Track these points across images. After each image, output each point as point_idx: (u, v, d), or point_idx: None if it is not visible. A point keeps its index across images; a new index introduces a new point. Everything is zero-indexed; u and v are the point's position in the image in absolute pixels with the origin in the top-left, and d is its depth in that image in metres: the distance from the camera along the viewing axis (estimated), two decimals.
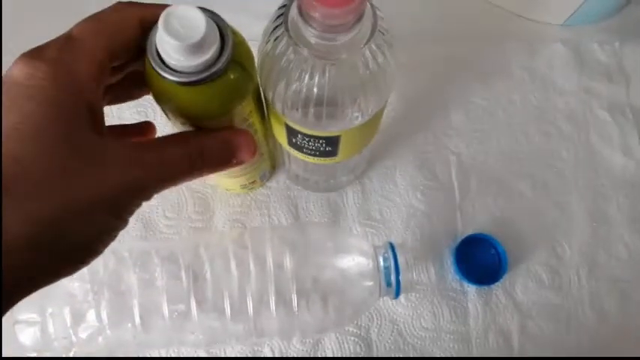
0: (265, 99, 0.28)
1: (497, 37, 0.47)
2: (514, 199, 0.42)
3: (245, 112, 0.27)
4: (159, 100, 0.24)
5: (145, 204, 0.40)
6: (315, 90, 0.24)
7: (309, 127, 0.27)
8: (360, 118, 0.27)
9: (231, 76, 0.24)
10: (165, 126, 0.31)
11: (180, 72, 0.22)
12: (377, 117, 0.29)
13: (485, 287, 0.39)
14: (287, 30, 0.23)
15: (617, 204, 0.42)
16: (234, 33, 0.24)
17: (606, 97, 0.45)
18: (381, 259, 0.32)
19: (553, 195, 0.42)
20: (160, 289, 0.31)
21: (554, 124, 0.44)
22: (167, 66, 0.22)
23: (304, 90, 0.25)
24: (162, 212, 0.41)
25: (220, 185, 0.41)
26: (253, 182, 0.39)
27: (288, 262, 0.31)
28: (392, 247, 0.33)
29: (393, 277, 0.32)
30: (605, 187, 0.42)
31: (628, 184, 0.43)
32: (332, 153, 0.31)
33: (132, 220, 0.39)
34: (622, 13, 0.48)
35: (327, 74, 0.24)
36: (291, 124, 0.28)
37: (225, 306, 0.30)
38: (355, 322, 0.38)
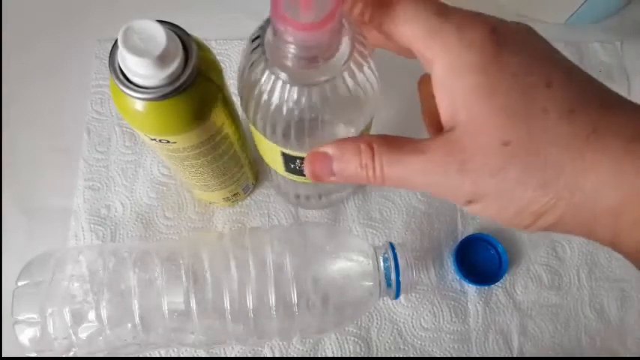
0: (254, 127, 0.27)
1: None
2: None
3: (217, 124, 0.26)
4: (127, 118, 0.24)
5: (145, 204, 0.40)
6: (296, 113, 0.23)
7: (308, 151, 0.27)
8: (351, 134, 0.26)
9: (198, 89, 0.23)
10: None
11: (146, 88, 0.21)
12: (367, 129, 0.29)
13: (486, 287, 0.39)
14: (264, 53, 0.22)
15: None
16: (199, 45, 0.23)
17: None
18: (381, 260, 0.32)
19: None
20: (159, 289, 0.31)
21: None
22: (132, 83, 0.21)
23: (293, 114, 0.23)
24: (162, 212, 0.41)
25: (203, 198, 0.40)
26: (236, 195, 0.38)
27: (288, 263, 0.31)
28: (392, 247, 0.32)
29: (393, 278, 0.31)
30: None
31: None
32: None
33: (132, 220, 0.40)
34: (623, 13, 0.48)
35: (310, 96, 0.22)
36: (288, 152, 0.27)
37: (225, 306, 0.30)
38: (355, 322, 0.38)
